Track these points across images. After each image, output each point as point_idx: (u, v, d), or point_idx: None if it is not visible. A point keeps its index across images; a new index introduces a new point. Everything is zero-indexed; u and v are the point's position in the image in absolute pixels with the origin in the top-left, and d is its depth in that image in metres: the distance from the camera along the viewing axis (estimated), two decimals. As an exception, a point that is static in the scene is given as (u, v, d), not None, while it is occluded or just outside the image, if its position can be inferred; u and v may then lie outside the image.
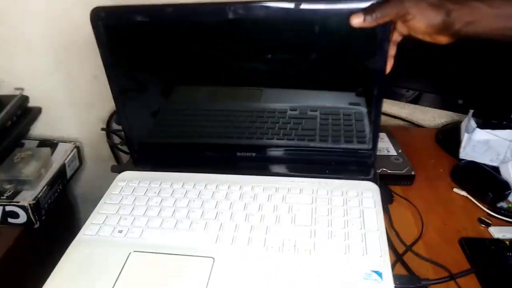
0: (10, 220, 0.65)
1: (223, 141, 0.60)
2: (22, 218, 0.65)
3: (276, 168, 0.59)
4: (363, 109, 0.54)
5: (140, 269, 0.45)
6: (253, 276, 0.43)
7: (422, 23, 0.43)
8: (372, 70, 0.50)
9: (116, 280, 0.44)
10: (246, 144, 0.59)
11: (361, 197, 0.52)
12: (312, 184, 0.54)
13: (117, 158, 0.85)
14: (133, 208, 0.53)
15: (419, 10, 0.42)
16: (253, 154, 0.59)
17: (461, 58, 0.67)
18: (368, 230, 0.47)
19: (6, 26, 0.73)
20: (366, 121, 0.55)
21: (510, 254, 0.50)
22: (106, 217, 0.52)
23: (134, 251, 0.47)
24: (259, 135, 0.58)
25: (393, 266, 0.47)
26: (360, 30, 0.45)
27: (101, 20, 0.51)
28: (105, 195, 0.56)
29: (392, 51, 0.49)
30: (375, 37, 0.47)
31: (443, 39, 0.45)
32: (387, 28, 0.46)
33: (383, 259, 0.44)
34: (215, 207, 0.52)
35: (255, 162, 0.59)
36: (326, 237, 0.47)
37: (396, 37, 0.48)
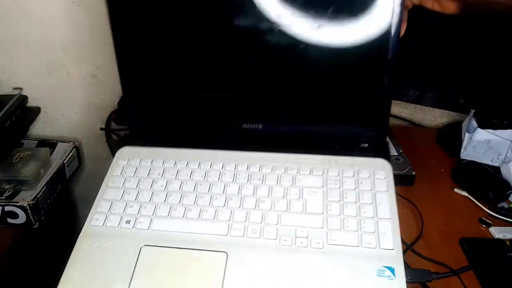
0: (9, 220, 0.65)
1: (227, 109, 0.56)
2: (21, 218, 0.65)
3: (283, 144, 0.55)
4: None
5: (154, 265, 0.45)
6: (266, 272, 0.43)
7: None
8: (387, 34, 0.48)
9: (132, 278, 0.43)
10: (251, 111, 0.55)
11: (373, 178, 0.50)
12: (322, 163, 0.52)
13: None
14: (138, 193, 0.51)
15: None
16: (260, 126, 0.55)
17: (462, 57, 0.67)
18: (380, 218, 0.46)
19: (5, 25, 0.72)
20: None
21: (511, 254, 0.50)
22: (111, 204, 0.50)
23: (145, 245, 0.46)
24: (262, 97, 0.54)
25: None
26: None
27: None
28: (106, 177, 0.54)
29: (404, 16, 0.48)
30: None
31: (450, 7, 0.45)
32: None
33: (395, 252, 0.43)
34: (223, 191, 0.50)
35: (261, 137, 0.55)
36: (338, 227, 0.45)
37: (408, 2, 0.48)
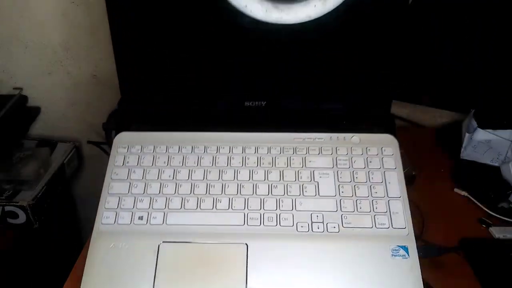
0: (9, 220, 0.65)
1: (228, 87, 0.55)
2: (22, 218, 0.65)
3: (290, 122, 0.55)
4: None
5: (175, 262, 0.44)
6: (287, 260, 0.44)
7: None
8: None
9: (155, 277, 0.43)
10: (253, 88, 0.54)
11: (381, 156, 0.51)
12: (330, 141, 0.52)
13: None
14: (146, 186, 0.49)
15: None
16: (263, 103, 0.54)
17: (462, 57, 0.67)
18: (391, 197, 0.47)
19: (5, 25, 0.72)
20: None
21: (511, 254, 0.50)
22: (119, 199, 0.49)
23: (163, 242, 0.45)
24: (266, 74, 0.53)
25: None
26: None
27: None
28: (108, 168, 0.51)
29: None
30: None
31: None
32: None
33: (407, 230, 0.45)
34: (234, 177, 0.50)
35: (266, 115, 0.55)
36: (351, 209, 0.47)
37: None
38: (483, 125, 0.69)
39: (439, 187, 0.63)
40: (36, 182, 0.68)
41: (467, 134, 0.67)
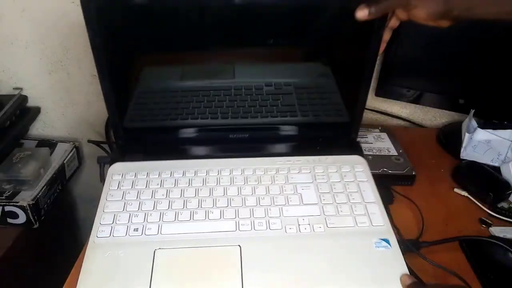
0: (9, 220, 0.65)
1: (212, 123, 0.60)
2: (22, 218, 0.65)
3: (271, 149, 0.61)
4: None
5: (171, 265, 0.45)
6: (279, 258, 0.46)
7: (423, 11, 0.45)
8: (366, 51, 0.53)
9: (151, 280, 0.44)
10: (236, 124, 0.60)
11: (354, 172, 0.56)
12: (307, 163, 0.58)
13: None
14: (140, 203, 0.52)
15: (419, 0, 0.45)
16: (246, 135, 0.60)
17: (462, 57, 0.67)
18: (367, 202, 0.52)
19: (5, 25, 0.72)
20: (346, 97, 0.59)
21: (511, 254, 0.50)
22: (114, 215, 0.50)
23: (159, 249, 0.47)
24: (243, 114, 0.59)
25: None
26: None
27: (92, 2, 0.48)
28: (103, 192, 0.54)
29: (386, 36, 0.52)
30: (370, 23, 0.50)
31: (444, 23, 0.47)
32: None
33: (386, 227, 0.49)
34: (224, 194, 0.53)
35: (249, 144, 0.61)
36: (334, 213, 0.51)
37: (394, 23, 0.51)
38: (483, 125, 0.69)
39: (439, 187, 0.63)
40: (36, 182, 0.68)
41: (467, 134, 0.67)
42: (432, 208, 0.59)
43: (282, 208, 0.51)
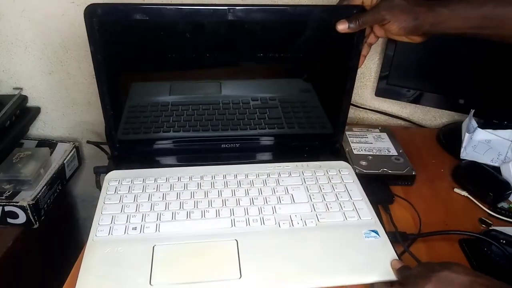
0: (9, 220, 0.65)
1: (203, 135, 0.63)
2: (22, 218, 0.65)
3: (261, 156, 0.65)
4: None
5: (170, 259, 0.47)
6: (274, 250, 0.48)
7: (395, 26, 0.50)
8: (346, 65, 0.58)
9: (151, 272, 0.45)
10: (226, 136, 0.63)
11: (340, 174, 0.60)
12: (296, 168, 0.61)
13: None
14: (138, 205, 0.53)
15: (392, 16, 0.49)
16: (237, 145, 0.64)
17: (462, 58, 0.67)
18: (355, 199, 0.56)
19: (5, 25, 0.72)
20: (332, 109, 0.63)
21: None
22: (113, 217, 0.52)
23: (157, 244, 0.48)
24: (233, 126, 0.63)
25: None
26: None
27: (96, 17, 0.51)
28: (101, 197, 0.55)
29: (365, 51, 0.57)
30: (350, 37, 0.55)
31: (416, 38, 0.52)
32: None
33: (374, 221, 0.52)
34: (219, 195, 0.55)
35: (240, 153, 0.64)
36: (324, 210, 0.54)
37: (372, 39, 0.56)
38: (483, 125, 0.69)
39: (439, 187, 0.63)
40: (36, 182, 0.68)
41: (467, 134, 0.67)
42: (432, 208, 0.59)
43: (275, 206, 0.54)
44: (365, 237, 0.50)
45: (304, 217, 0.52)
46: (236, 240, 0.49)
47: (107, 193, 0.55)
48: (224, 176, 0.58)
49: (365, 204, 0.55)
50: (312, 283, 0.45)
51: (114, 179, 0.58)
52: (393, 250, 0.48)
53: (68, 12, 0.71)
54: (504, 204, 0.60)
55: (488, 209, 0.59)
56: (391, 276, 0.45)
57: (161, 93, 0.61)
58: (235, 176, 0.59)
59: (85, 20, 0.51)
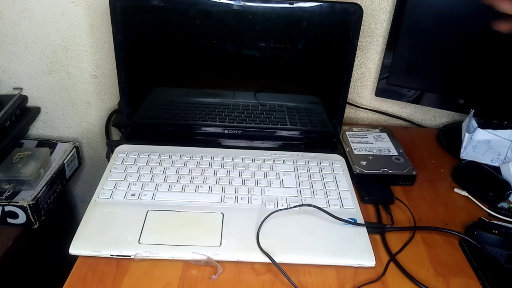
0: (9, 220, 0.65)
1: (210, 124, 0.69)
2: (22, 218, 0.65)
3: (260, 144, 0.69)
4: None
5: (160, 222, 0.52)
6: (256, 226, 0.52)
7: None
8: (343, 61, 0.62)
9: (141, 232, 0.50)
10: (231, 125, 0.69)
11: (332, 166, 0.64)
12: (292, 157, 0.65)
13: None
14: (139, 176, 0.59)
15: None
16: (239, 132, 0.69)
17: (462, 58, 0.67)
18: (341, 190, 0.59)
19: (5, 25, 0.72)
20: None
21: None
22: (116, 183, 0.58)
23: (151, 210, 0.54)
24: (239, 120, 0.68)
25: (386, 267, 0.49)
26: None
27: (119, 1, 0.58)
28: (108, 165, 0.61)
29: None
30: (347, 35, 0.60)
31: None
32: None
33: (355, 210, 0.56)
34: (214, 174, 0.61)
35: (241, 140, 0.69)
36: (310, 196, 0.58)
37: None
38: (483, 125, 0.69)
39: (439, 187, 0.63)
40: (36, 182, 0.68)
41: (467, 134, 0.67)
42: (432, 208, 0.59)
43: (264, 188, 0.58)
44: (344, 224, 0.53)
45: (290, 200, 0.56)
46: (222, 214, 0.54)
47: (115, 162, 0.62)
48: (222, 158, 0.63)
49: (350, 194, 0.58)
50: (285, 259, 0.48)
51: (123, 151, 0.64)
52: (368, 237, 0.51)
53: (68, 12, 0.71)
54: (504, 204, 0.60)
55: (488, 209, 0.59)
56: (362, 261, 0.48)
57: (176, 93, 0.68)
58: (233, 159, 0.64)
59: (109, 3, 0.58)
